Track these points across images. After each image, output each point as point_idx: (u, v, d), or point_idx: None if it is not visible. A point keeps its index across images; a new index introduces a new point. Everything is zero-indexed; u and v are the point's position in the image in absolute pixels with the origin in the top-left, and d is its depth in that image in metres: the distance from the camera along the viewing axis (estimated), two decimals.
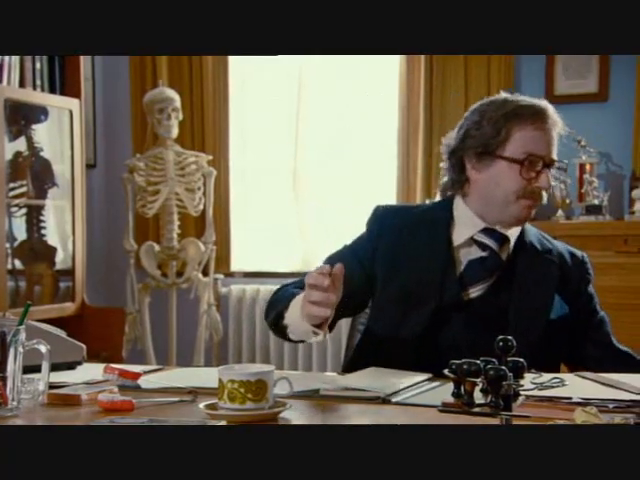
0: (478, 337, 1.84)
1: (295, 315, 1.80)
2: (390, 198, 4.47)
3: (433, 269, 1.96)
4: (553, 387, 1.65)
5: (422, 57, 4.35)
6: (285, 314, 1.88)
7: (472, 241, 2.00)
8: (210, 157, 4.46)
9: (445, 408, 1.51)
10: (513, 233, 2.02)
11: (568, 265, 2.05)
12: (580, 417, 1.31)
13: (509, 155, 1.94)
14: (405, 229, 2.03)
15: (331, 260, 1.95)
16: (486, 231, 2.00)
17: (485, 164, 1.97)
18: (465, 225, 2.02)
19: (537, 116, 1.95)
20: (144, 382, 1.75)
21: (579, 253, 2.11)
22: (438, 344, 1.94)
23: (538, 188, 1.95)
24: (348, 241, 2.10)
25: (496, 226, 1.99)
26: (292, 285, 1.99)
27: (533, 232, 2.08)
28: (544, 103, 1.99)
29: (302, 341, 1.88)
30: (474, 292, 1.97)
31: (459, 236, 2.01)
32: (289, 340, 1.91)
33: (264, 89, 4.77)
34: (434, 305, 1.95)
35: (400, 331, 1.96)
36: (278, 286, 2.04)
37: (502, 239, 1.99)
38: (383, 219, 2.04)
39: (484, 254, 1.99)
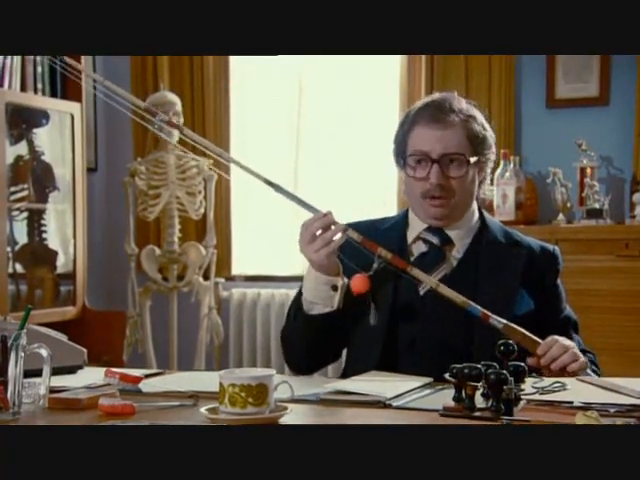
0: (438, 330, 1.92)
1: (310, 280, 1.91)
2: (390, 198, 4.47)
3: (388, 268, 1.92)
4: (554, 391, 1.65)
5: (423, 57, 4.34)
6: (302, 298, 1.94)
7: (419, 239, 2.03)
8: (211, 161, 4.45)
9: (446, 412, 1.50)
10: (462, 232, 2.02)
11: (537, 257, 2.04)
12: (581, 421, 1.31)
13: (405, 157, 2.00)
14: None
15: None
16: (431, 229, 2.02)
17: (401, 166, 2.05)
18: (413, 226, 2.05)
19: (429, 113, 1.99)
20: (145, 386, 1.75)
21: (550, 247, 2.10)
22: (398, 335, 1.95)
23: (432, 185, 1.95)
24: None
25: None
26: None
27: (497, 227, 2.08)
28: (442, 98, 2.05)
29: (329, 315, 1.91)
30: (426, 286, 1.94)
31: (409, 236, 2.05)
32: (317, 325, 1.93)
33: (264, 90, 4.77)
34: (391, 296, 1.96)
35: (365, 325, 1.95)
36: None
37: (446, 238, 2.01)
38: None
39: (425, 249, 2.01)
